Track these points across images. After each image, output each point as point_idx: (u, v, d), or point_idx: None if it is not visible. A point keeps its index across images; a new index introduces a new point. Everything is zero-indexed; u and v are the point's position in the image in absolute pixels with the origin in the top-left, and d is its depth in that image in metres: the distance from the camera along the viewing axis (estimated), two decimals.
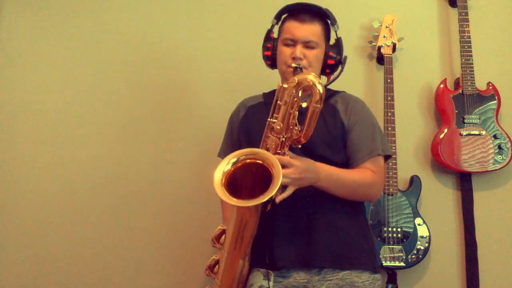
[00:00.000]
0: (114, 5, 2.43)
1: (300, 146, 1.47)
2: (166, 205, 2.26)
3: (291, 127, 1.43)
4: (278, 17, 1.71)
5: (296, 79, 1.40)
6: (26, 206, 2.25)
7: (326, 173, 1.50)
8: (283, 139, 1.43)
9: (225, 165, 1.39)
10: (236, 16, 2.42)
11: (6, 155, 2.30)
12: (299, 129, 1.44)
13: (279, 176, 1.31)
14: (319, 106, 1.38)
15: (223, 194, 1.34)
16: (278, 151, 1.43)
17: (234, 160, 1.40)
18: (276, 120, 1.44)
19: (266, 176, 1.35)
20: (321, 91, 1.37)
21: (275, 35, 1.73)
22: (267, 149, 1.44)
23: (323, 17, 1.67)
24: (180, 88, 2.36)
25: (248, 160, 1.40)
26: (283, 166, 1.36)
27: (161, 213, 2.25)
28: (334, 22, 1.67)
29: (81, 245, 2.22)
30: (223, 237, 1.49)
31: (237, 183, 1.40)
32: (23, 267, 2.20)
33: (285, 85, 1.42)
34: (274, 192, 1.30)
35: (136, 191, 2.26)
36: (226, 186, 1.36)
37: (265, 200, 1.30)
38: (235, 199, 1.33)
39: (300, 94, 1.42)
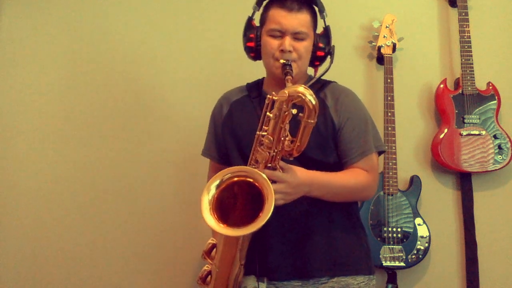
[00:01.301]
0: (113, 6, 2.43)
1: (292, 159, 1.39)
2: (160, 206, 2.26)
3: (282, 139, 1.35)
4: (259, 2, 1.59)
5: (287, 92, 1.30)
6: (23, 205, 2.26)
7: (319, 183, 1.44)
8: (274, 153, 1.35)
9: (207, 193, 1.32)
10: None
11: (6, 155, 2.30)
12: (291, 140, 1.36)
13: (272, 200, 1.26)
14: (312, 121, 1.31)
15: (217, 226, 1.28)
16: (268, 165, 1.36)
17: (217, 182, 1.33)
18: (265, 133, 1.35)
19: (256, 192, 1.30)
20: (314, 102, 1.29)
21: (256, 22, 1.61)
22: (257, 162, 1.38)
23: (311, 4, 1.55)
24: (172, 88, 2.35)
25: (235, 179, 1.33)
26: (274, 182, 1.31)
27: (156, 213, 2.25)
28: (322, 9, 1.56)
29: (78, 245, 2.23)
30: (214, 250, 1.44)
31: (226, 203, 1.34)
32: (23, 267, 2.21)
33: (275, 97, 1.33)
34: (268, 217, 1.25)
35: (132, 191, 2.27)
36: (216, 214, 1.30)
37: (259, 227, 1.25)
38: (226, 227, 1.28)
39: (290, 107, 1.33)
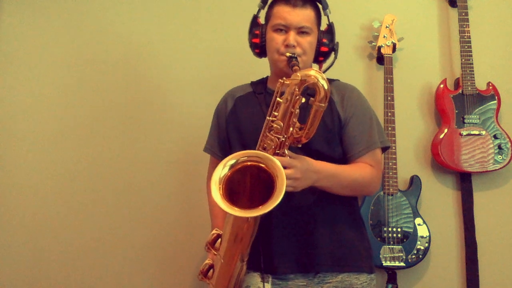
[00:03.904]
0: (114, 5, 2.43)
1: (300, 146, 1.40)
2: (161, 205, 2.26)
3: (292, 126, 1.35)
4: (265, 1, 1.62)
5: (299, 75, 1.29)
6: (23, 205, 2.26)
7: (327, 172, 1.45)
8: (283, 139, 1.35)
9: (222, 169, 1.29)
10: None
11: (6, 155, 2.30)
12: (300, 127, 1.36)
13: (283, 184, 1.23)
14: (323, 105, 1.31)
15: (224, 204, 1.24)
16: (277, 151, 1.35)
17: (233, 162, 1.30)
18: (275, 119, 1.35)
19: (267, 178, 1.28)
20: (326, 87, 1.29)
21: (261, 20, 1.64)
22: (265, 149, 1.37)
23: (314, 1, 1.58)
24: (172, 89, 2.35)
25: (248, 163, 1.30)
26: (284, 167, 1.30)
27: (156, 213, 2.25)
28: (326, 6, 1.59)
29: (78, 244, 2.23)
30: (218, 241, 1.41)
31: (235, 186, 1.31)
32: (23, 267, 2.21)
33: (287, 82, 1.33)
34: (279, 201, 1.22)
35: (132, 191, 2.27)
36: (224, 193, 1.27)
37: (270, 209, 1.22)
38: (237, 209, 1.24)
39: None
